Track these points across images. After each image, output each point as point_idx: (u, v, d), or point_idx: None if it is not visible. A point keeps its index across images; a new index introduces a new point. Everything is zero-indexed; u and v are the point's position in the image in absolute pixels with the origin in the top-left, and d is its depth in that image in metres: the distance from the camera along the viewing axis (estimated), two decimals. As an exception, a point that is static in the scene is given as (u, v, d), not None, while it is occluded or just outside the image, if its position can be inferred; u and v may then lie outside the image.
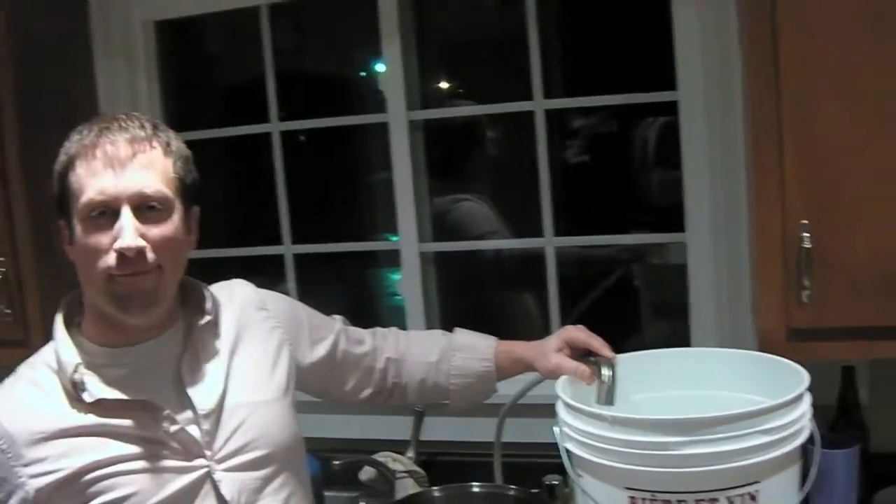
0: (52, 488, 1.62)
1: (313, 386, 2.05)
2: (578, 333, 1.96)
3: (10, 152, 2.65)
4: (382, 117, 2.87)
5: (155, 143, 1.66)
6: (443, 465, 2.72)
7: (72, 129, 2.84)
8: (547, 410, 1.86)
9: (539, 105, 2.74)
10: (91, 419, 1.64)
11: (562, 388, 1.85)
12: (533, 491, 2.31)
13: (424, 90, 3.03)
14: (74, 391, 1.65)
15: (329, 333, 2.04)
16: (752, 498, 1.63)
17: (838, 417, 2.31)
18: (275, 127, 3.04)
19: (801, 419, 1.69)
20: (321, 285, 3.38)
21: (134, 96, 3.08)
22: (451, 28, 3.40)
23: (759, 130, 2.04)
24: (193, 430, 1.70)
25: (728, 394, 1.89)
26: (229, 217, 3.69)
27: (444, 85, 3.39)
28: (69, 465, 1.62)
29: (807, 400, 1.72)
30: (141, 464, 1.65)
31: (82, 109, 2.98)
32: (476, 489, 2.30)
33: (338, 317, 2.12)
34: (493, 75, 3.31)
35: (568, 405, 1.77)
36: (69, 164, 1.63)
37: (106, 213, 1.60)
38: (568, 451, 1.78)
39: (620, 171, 3.68)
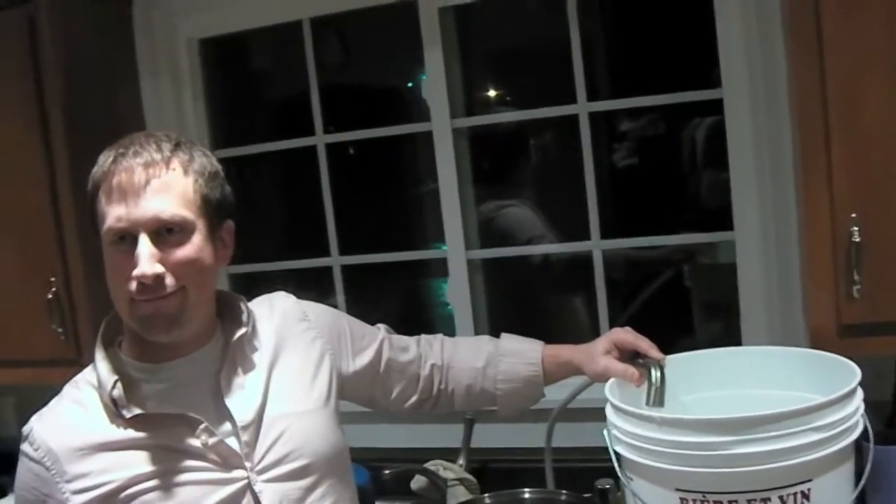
0: (94, 503, 1.64)
1: (359, 395, 2.04)
2: (626, 335, 1.94)
3: (60, 170, 2.69)
4: (426, 126, 2.87)
5: (174, 164, 1.66)
6: (494, 471, 2.71)
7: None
8: (597, 414, 1.84)
9: (583, 108, 2.73)
10: (131, 434, 1.66)
11: (610, 390, 1.84)
12: (585, 496, 2.30)
13: (471, 98, 3.03)
14: (114, 407, 1.67)
15: (372, 342, 2.04)
16: (805, 496, 1.60)
17: (894, 413, 2.27)
18: (320, 139, 3.05)
19: (853, 415, 1.66)
20: (372, 297, 3.39)
21: (179, 113, 3.12)
22: (495, 36, 3.39)
23: (805, 122, 2.02)
24: (232, 442, 1.70)
25: (779, 392, 1.87)
26: (281, 231, 3.71)
27: (491, 93, 3.38)
28: (111, 480, 1.64)
29: (859, 395, 1.69)
30: (181, 477, 1.66)
31: (129, 127, 2.95)
32: (528, 495, 2.29)
33: (381, 325, 2.12)
34: (538, 82, 3.30)
35: (617, 408, 1.76)
36: (95, 191, 1.66)
37: (126, 238, 1.62)
38: (618, 454, 1.76)
39: (669, 174, 3.64)
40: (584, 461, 2.45)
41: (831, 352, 1.86)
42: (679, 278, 3.30)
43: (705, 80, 2.59)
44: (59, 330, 2.72)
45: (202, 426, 1.68)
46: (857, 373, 1.70)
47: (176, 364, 1.73)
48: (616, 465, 1.78)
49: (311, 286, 3.33)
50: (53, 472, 1.65)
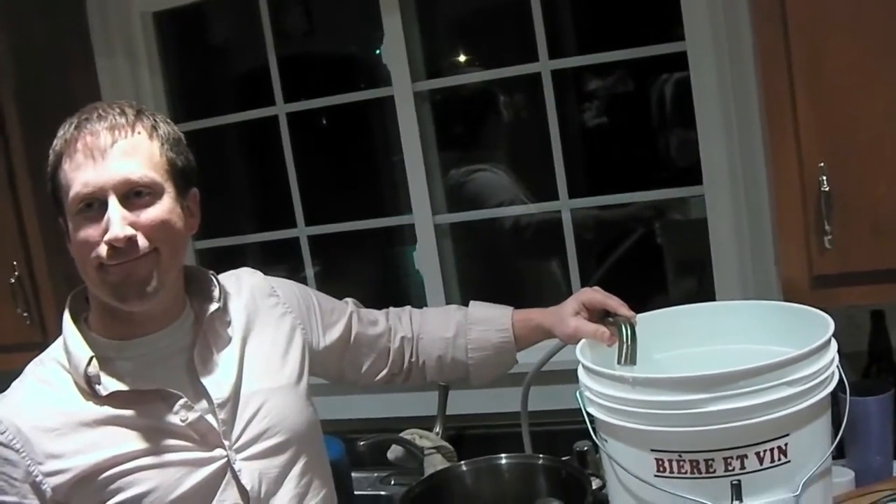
0: (69, 485, 1.59)
1: (329, 370, 2.02)
2: (595, 294, 1.92)
3: (16, 156, 2.65)
4: (388, 91, 2.83)
5: (139, 128, 1.63)
6: (471, 438, 2.71)
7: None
8: (572, 376, 1.81)
9: (545, 66, 2.70)
10: (106, 412, 1.62)
11: (581, 351, 1.81)
12: (563, 459, 2.28)
13: (438, 63, 3.00)
14: (88, 385, 1.62)
15: (342, 316, 2.02)
16: (783, 451, 1.58)
17: (870, 364, 2.27)
18: (280, 109, 3.02)
19: (828, 367, 1.63)
20: (344, 268, 3.37)
21: (137, 90, 3.07)
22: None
23: (769, 72, 2.01)
24: (210, 420, 1.68)
25: (753, 346, 1.84)
26: (249, 205, 3.68)
27: (458, 58, 3.35)
28: (86, 462, 1.59)
29: (833, 347, 1.67)
30: (160, 457, 1.63)
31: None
32: (505, 461, 2.26)
33: (349, 300, 2.09)
34: (502, 42, 3.27)
35: (588, 369, 1.73)
36: (57, 162, 1.61)
37: (93, 204, 1.58)
38: (591, 416, 1.74)
39: (639, 131, 3.63)
40: (562, 424, 2.45)
41: (805, 304, 1.84)
42: (651, 236, 3.29)
43: (671, 35, 2.56)
44: (24, 314, 2.69)
45: (181, 401, 1.65)
46: (831, 324, 1.68)
47: (146, 340, 1.69)
48: (590, 427, 1.75)
49: (282, 259, 3.31)
50: (24, 454, 1.59)
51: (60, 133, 1.63)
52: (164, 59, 3.13)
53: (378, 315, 2.09)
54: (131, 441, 1.62)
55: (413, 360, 2.08)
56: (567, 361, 1.91)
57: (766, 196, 2.41)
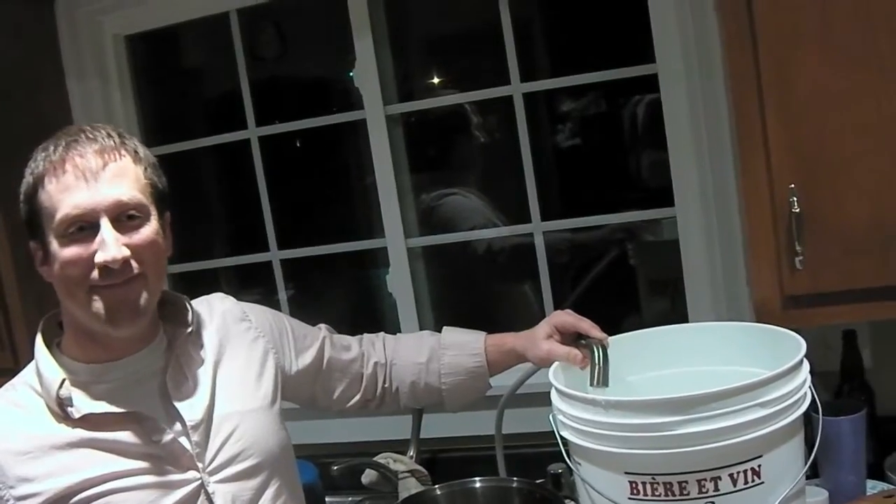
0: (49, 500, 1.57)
1: (301, 395, 2.01)
2: (567, 317, 1.92)
3: (-14, 179, 2.61)
4: (360, 114, 2.83)
5: (124, 152, 1.63)
6: (445, 461, 2.70)
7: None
8: (546, 399, 1.81)
9: (517, 89, 2.70)
10: (79, 435, 1.60)
11: (554, 374, 1.81)
12: (538, 481, 2.28)
13: (409, 86, 3.00)
14: (60, 408, 1.60)
15: (314, 341, 2.01)
16: (756, 473, 1.58)
17: (842, 383, 2.28)
18: (252, 133, 3.00)
19: (800, 388, 1.64)
20: (318, 291, 3.35)
21: (109, 113, 3.05)
22: (427, 21, 3.37)
23: (739, 94, 2.01)
24: (184, 442, 1.66)
25: (725, 368, 1.85)
26: (222, 229, 3.67)
27: (431, 80, 3.36)
28: (58, 485, 1.57)
29: (805, 368, 1.68)
30: (133, 480, 1.61)
31: (57, 131, 2.94)
32: (479, 484, 2.25)
33: (322, 325, 2.09)
34: (477, 65, 3.28)
35: (561, 392, 1.73)
36: (38, 183, 1.59)
37: (84, 227, 1.57)
38: (565, 439, 1.74)
39: (612, 153, 3.64)
40: (536, 447, 2.44)
41: (777, 324, 1.85)
42: (624, 257, 3.30)
43: (644, 57, 2.57)
44: (-6, 340, 2.65)
45: (154, 424, 1.64)
46: (803, 345, 1.69)
47: (121, 364, 1.68)
48: (564, 450, 1.75)
49: (255, 283, 3.29)
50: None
51: (42, 155, 1.61)
52: (137, 82, 3.12)
53: (351, 341, 2.08)
54: (104, 464, 1.60)
55: (386, 385, 2.07)
56: (541, 384, 1.90)
57: (738, 217, 2.42)
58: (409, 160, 2.91)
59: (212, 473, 1.68)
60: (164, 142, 3.11)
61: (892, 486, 2.16)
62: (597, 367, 1.80)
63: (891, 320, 2.08)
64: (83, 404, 1.61)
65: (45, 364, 1.65)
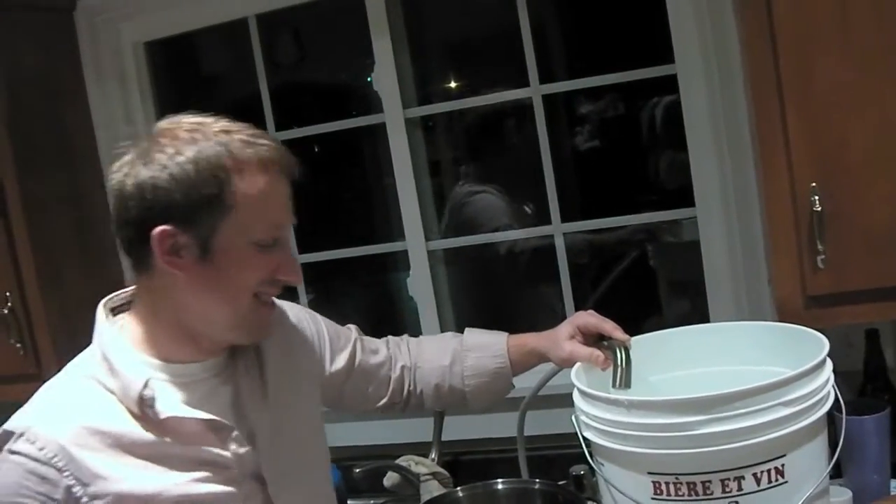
0: None
1: (330, 396, 1.99)
2: (589, 318, 1.91)
3: (10, 187, 2.65)
4: (379, 118, 2.84)
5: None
6: (467, 463, 2.70)
7: (68, 158, 2.84)
8: (568, 400, 1.81)
9: (536, 91, 2.70)
10: (155, 438, 1.54)
11: (576, 375, 1.81)
12: (560, 483, 2.28)
13: (432, 90, 3.01)
14: (139, 408, 1.53)
15: (347, 343, 2.00)
16: (780, 472, 1.58)
17: (866, 382, 2.27)
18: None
19: (824, 387, 1.64)
20: (338, 295, 3.36)
21: (129, 120, 3.07)
22: (446, 24, 3.37)
23: (759, 93, 2.01)
24: (253, 451, 1.63)
25: (747, 368, 1.84)
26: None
27: (451, 84, 3.36)
28: (136, 488, 1.51)
29: (828, 367, 1.67)
30: (208, 488, 1.57)
31: (78, 138, 2.98)
32: (501, 486, 2.25)
33: (352, 326, 2.07)
34: (497, 68, 3.28)
35: (584, 393, 1.73)
36: (228, 172, 1.50)
37: (275, 242, 1.56)
38: (587, 440, 1.74)
39: (631, 154, 3.64)
40: (558, 448, 2.45)
41: (799, 324, 1.84)
42: (644, 259, 3.29)
43: (663, 58, 2.57)
44: (18, 345, 2.67)
45: (234, 434, 1.60)
46: (826, 344, 1.68)
47: (203, 365, 1.62)
48: (586, 451, 1.75)
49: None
50: (67, 473, 1.48)
51: (237, 145, 1.53)
52: (156, 88, 3.13)
53: (379, 344, 2.07)
54: (179, 470, 1.55)
55: (411, 388, 2.06)
56: (563, 386, 1.90)
57: (759, 216, 2.41)
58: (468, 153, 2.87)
59: (276, 483, 1.65)
60: (185, 147, 3.12)
61: (916, 486, 2.16)
62: (619, 368, 1.79)
63: (914, 319, 2.08)
64: (166, 406, 1.54)
65: (125, 360, 1.56)
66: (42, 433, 1.49)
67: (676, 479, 1.59)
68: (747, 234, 2.48)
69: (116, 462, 1.51)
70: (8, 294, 2.66)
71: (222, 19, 2.97)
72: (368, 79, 2.89)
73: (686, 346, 1.94)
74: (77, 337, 2.73)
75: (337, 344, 1.98)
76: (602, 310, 1.96)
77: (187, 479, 1.56)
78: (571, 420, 1.78)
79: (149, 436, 1.54)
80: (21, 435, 1.49)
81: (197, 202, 1.49)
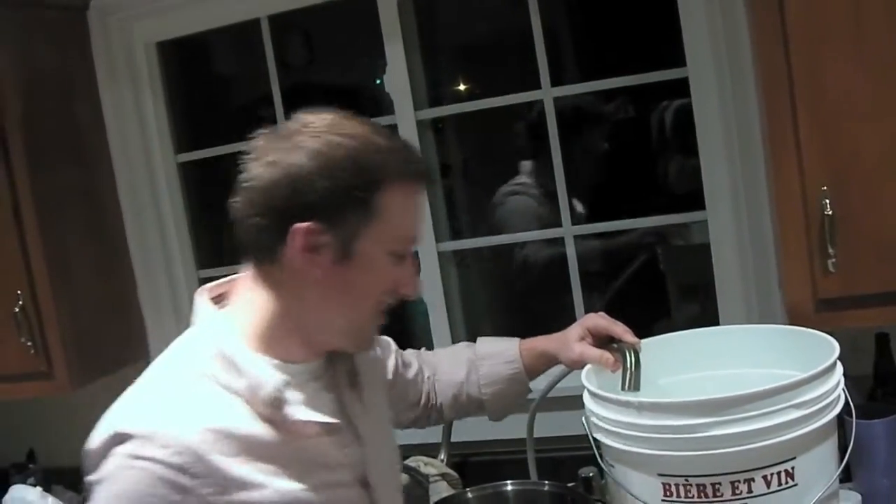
0: None
1: None
2: (599, 320, 1.91)
3: (21, 183, 2.65)
4: (390, 120, 2.84)
5: None
6: (476, 465, 2.70)
7: (80, 157, 2.84)
8: (578, 402, 1.81)
9: (547, 93, 2.71)
10: (281, 440, 1.48)
11: (587, 377, 1.81)
12: (569, 485, 2.28)
13: (443, 93, 3.01)
14: (270, 410, 1.47)
15: (389, 353, 1.97)
16: (789, 475, 1.58)
17: (876, 386, 2.27)
18: (284, 138, 3.01)
19: (834, 390, 1.64)
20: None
21: (141, 120, 3.08)
22: (458, 27, 3.38)
23: (772, 98, 2.01)
24: (360, 455, 1.61)
25: (758, 370, 1.85)
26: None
27: (461, 87, 3.37)
28: (274, 497, 1.46)
29: (838, 370, 1.67)
30: (329, 494, 1.54)
31: (90, 136, 2.98)
32: (510, 487, 2.26)
33: (388, 339, 2.00)
34: (508, 71, 3.28)
35: (594, 394, 1.74)
36: (381, 180, 1.46)
37: (405, 254, 1.54)
38: (597, 441, 1.74)
39: (641, 158, 3.64)
40: (567, 450, 2.45)
41: (809, 327, 1.85)
42: (654, 262, 3.29)
43: (675, 62, 2.57)
44: (29, 343, 2.67)
45: (348, 438, 1.59)
46: (836, 347, 1.69)
47: (304, 369, 1.57)
48: (596, 452, 1.75)
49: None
50: (201, 480, 1.39)
51: (392, 154, 1.49)
52: (168, 88, 3.14)
53: (411, 357, 2.04)
54: (305, 475, 1.51)
55: (433, 402, 2.05)
56: (571, 388, 1.91)
57: (769, 220, 2.41)
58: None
59: (378, 488, 1.63)
60: (195, 147, 3.14)
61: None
62: (629, 371, 1.80)
63: (924, 323, 2.07)
64: (295, 409, 1.50)
65: (254, 362, 1.49)
66: (173, 436, 1.39)
67: (686, 480, 1.60)
68: (758, 238, 2.48)
69: (251, 468, 1.45)
70: (19, 293, 2.66)
71: (235, 20, 2.98)
72: (378, 80, 2.89)
73: (696, 348, 1.95)
74: (87, 336, 2.76)
75: (386, 353, 1.96)
76: (611, 312, 1.96)
77: (313, 484, 1.51)
78: (581, 422, 1.78)
79: (276, 439, 1.48)
80: (147, 438, 1.38)
81: (347, 203, 1.45)
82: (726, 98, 2.47)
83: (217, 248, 3.25)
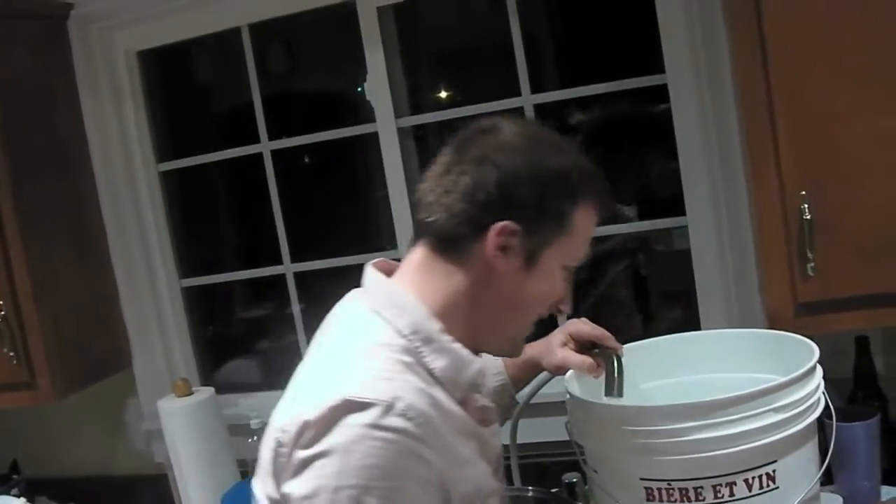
0: (461, 499, 1.41)
1: None
2: (582, 326, 1.91)
3: (3, 196, 2.66)
4: (371, 127, 2.85)
5: None
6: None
7: (62, 166, 2.84)
8: (560, 408, 1.83)
9: (527, 100, 2.72)
10: (472, 425, 1.49)
11: (569, 382, 1.82)
12: (553, 490, 2.28)
13: (424, 100, 3.02)
14: (467, 392, 1.49)
15: None
16: (771, 478, 1.60)
17: (856, 389, 2.28)
18: (265, 146, 3.03)
19: (814, 393, 1.66)
20: (330, 305, 3.35)
21: (122, 128, 3.08)
22: (438, 34, 3.38)
23: (750, 103, 2.02)
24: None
25: (739, 375, 1.86)
26: (234, 242, 3.68)
27: (442, 94, 3.37)
28: (476, 477, 1.47)
29: (818, 373, 1.69)
30: (496, 482, 1.57)
31: (71, 147, 2.98)
32: (494, 493, 2.26)
33: None
34: (488, 78, 3.29)
35: (577, 400, 1.74)
36: (577, 196, 1.50)
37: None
38: (581, 446, 1.75)
39: (621, 163, 3.65)
40: (550, 456, 2.45)
41: (789, 331, 1.87)
42: (635, 268, 3.30)
43: (654, 68, 2.58)
44: (12, 354, 2.67)
45: (495, 425, 1.61)
46: (816, 351, 1.70)
47: None
48: (580, 458, 1.76)
49: (268, 296, 3.31)
50: (437, 453, 1.35)
51: (590, 178, 1.53)
52: (149, 97, 3.14)
53: None
54: (486, 462, 1.52)
55: None
56: (555, 393, 1.92)
57: (749, 225, 2.43)
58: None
59: (500, 477, 1.63)
60: (177, 157, 3.14)
61: (906, 492, 2.17)
62: (612, 377, 1.80)
63: (904, 326, 2.09)
64: (479, 395, 1.53)
65: (458, 348, 1.48)
66: (412, 406, 1.33)
67: (669, 485, 1.61)
68: (738, 243, 2.49)
69: (464, 445, 1.45)
70: (1, 303, 2.66)
71: (216, 29, 2.98)
72: (359, 88, 2.90)
73: (677, 353, 1.96)
74: (70, 346, 2.76)
75: None
76: (593, 318, 1.97)
77: (491, 470, 1.54)
78: (565, 427, 1.79)
79: (471, 422, 1.48)
80: (387, 406, 1.31)
81: (546, 213, 1.47)
82: (705, 104, 2.48)
83: (199, 258, 3.25)
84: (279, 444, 1.36)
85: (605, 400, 1.77)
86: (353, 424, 1.28)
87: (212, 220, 3.56)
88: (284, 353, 3.19)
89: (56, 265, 2.81)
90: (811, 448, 1.69)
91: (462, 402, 1.47)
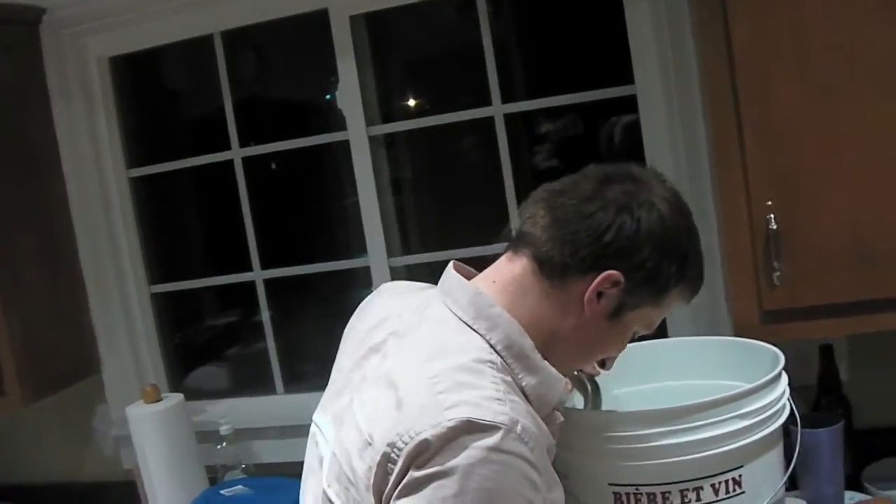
0: None
1: None
2: None
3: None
4: (343, 135, 2.86)
5: None
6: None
7: (31, 173, 2.83)
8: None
9: (498, 110, 2.74)
10: (553, 443, 1.47)
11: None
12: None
13: (395, 108, 3.03)
14: (548, 409, 1.47)
15: None
16: (737, 483, 1.62)
17: (820, 396, 2.31)
18: (236, 153, 3.03)
19: (779, 400, 1.68)
20: (300, 312, 3.36)
21: (93, 135, 3.07)
22: (410, 43, 3.39)
23: (717, 113, 2.05)
24: None
25: (706, 382, 1.89)
26: (203, 249, 3.67)
27: (411, 102, 3.38)
28: (560, 498, 1.44)
29: (783, 380, 1.71)
30: None
31: (42, 152, 2.97)
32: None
33: None
34: (460, 87, 3.30)
35: (546, 406, 1.76)
36: (683, 280, 1.54)
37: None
38: (550, 452, 1.76)
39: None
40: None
41: (756, 339, 1.89)
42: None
43: (623, 78, 2.61)
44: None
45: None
46: (781, 358, 1.73)
47: None
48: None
49: (237, 303, 3.30)
50: (543, 477, 1.34)
51: (696, 265, 1.58)
52: (120, 103, 3.14)
53: None
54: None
55: None
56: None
57: (716, 234, 2.44)
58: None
59: None
60: (147, 162, 3.14)
61: (868, 497, 2.20)
62: (589, 396, 1.80)
63: (867, 334, 2.12)
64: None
65: (544, 363, 1.48)
66: (528, 430, 1.32)
67: (637, 490, 1.62)
68: (705, 252, 2.49)
69: (552, 469, 1.43)
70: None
71: (188, 35, 2.98)
72: (328, 96, 2.91)
73: (646, 360, 1.98)
74: (39, 352, 2.74)
75: None
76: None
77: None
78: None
79: (552, 440, 1.45)
80: (508, 430, 1.29)
81: (653, 282, 1.49)
82: (673, 115, 2.51)
83: (169, 264, 3.25)
84: (389, 460, 1.32)
85: (575, 408, 1.78)
86: (474, 446, 1.27)
87: (182, 226, 3.55)
88: (253, 360, 3.18)
89: (24, 271, 2.79)
90: (777, 453, 1.71)
91: (545, 420, 1.44)
